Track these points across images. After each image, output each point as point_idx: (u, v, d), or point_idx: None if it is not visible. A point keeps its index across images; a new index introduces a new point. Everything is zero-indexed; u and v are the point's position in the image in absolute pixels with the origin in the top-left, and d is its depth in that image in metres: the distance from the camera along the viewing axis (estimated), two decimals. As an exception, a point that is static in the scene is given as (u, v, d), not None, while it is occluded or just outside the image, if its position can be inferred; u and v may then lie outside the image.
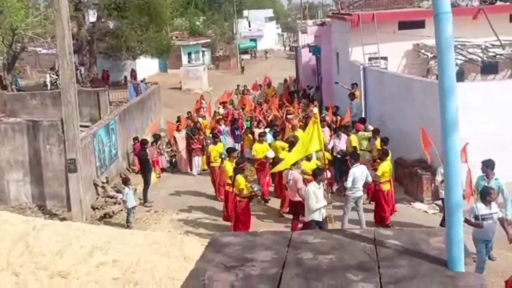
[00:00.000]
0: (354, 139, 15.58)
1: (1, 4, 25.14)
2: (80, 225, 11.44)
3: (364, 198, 13.54)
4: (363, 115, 19.41)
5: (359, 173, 12.46)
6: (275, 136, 16.61)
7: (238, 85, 32.67)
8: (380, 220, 13.09)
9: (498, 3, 23.47)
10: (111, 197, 16.06)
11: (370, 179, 12.91)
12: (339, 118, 19.86)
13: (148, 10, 34.15)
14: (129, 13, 33.72)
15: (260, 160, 15.81)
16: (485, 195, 9.62)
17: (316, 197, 11.01)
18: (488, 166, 10.98)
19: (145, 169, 16.72)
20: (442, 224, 11.71)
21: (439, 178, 11.84)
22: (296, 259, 4.26)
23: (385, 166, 13.03)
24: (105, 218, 15.00)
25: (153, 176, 17.31)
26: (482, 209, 9.52)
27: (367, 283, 3.82)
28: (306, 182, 12.09)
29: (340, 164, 15.47)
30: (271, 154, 15.48)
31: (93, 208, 15.44)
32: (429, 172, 14.82)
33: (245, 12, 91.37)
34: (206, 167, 19.55)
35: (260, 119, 20.64)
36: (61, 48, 14.04)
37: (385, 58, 21.80)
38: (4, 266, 9.05)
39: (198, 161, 19.56)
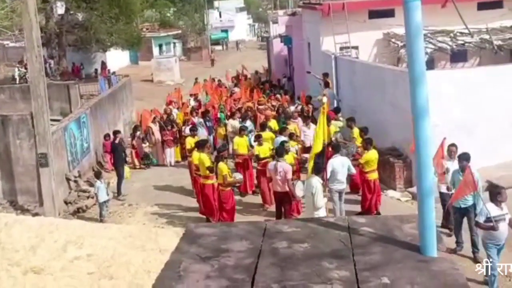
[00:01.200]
0: (333, 129, 15.38)
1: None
2: (53, 220, 11.30)
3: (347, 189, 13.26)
4: (335, 105, 19.51)
5: (338, 165, 12.24)
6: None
7: (211, 78, 32.56)
8: (366, 210, 12.78)
9: (466, -9, 23.72)
10: (84, 191, 15.91)
11: (353, 171, 12.62)
12: (310, 107, 19.96)
13: (118, 2, 33.83)
14: (98, 4, 33.38)
15: (242, 155, 15.22)
16: (496, 195, 8.91)
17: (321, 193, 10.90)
18: (465, 159, 10.48)
19: (117, 162, 16.55)
20: (444, 223, 11.60)
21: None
22: (271, 248, 4.28)
23: (370, 155, 12.76)
24: (79, 213, 14.86)
25: (126, 170, 17.06)
26: (493, 210, 8.74)
27: (342, 271, 3.86)
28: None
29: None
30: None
31: (66, 202, 15.27)
32: (401, 160, 15.00)
33: (216, 3, 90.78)
34: (179, 158, 19.59)
35: (230, 110, 20.66)
36: (29, 41, 13.79)
37: (356, 48, 21.94)
38: (-24, 263, 8.91)
39: (171, 152, 19.54)
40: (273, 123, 17.40)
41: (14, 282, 8.21)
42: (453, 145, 11.28)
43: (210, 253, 4.26)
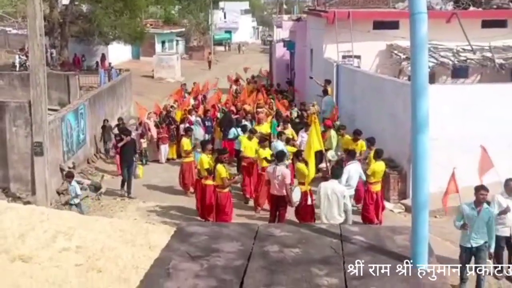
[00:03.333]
0: (348, 139, 15.22)
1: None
2: (44, 210, 11.21)
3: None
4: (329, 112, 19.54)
5: (353, 171, 12.36)
6: (244, 131, 16.35)
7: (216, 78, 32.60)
8: (368, 221, 12.60)
9: (471, 8, 23.81)
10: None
11: (364, 178, 12.66)
12: (308, 113, 19.96)
13: (123, -5, 33.78)
14: (103, -3, 33.30)
15: (249, 158, 14.92)
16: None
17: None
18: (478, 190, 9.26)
19: (126, 161, 15.93)
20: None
21: (495, 209, 9.64)
22: (262, 251, 4.26)
23: (377, 166, 12.59)
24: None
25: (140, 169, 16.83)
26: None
27: (331, 278, 3.85)
28: None
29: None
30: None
31: (58, 193, 15.20)
32: (396, 171, 15.00)
33: (221, 4, 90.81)
34: (174, 156, 19.56)
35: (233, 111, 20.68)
36: (32, 29, 13.76)
37: (358, 57, 21.96)
38: (-36, 248, 8.85)
39: (165, 149, 19.53)
40: (264, 127, 17.35)
41: (1, 269, 8.15)
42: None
43: (200, 252, 4.25)
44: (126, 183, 15.63)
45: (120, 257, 8.92)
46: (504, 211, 9.55)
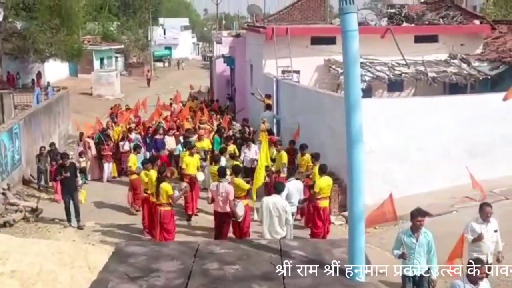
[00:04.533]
0: (284, 155, 15.16)
1: None
2: (-23, 234, 10.82)
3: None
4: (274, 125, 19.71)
5: (293, 188, 12.31)
6: (185, 147, 16.25)
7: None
8: (316, 237, 12.42)
9: (405, 24, 24.60)
10: (12, 204, 15.30)
11: (302, 196, 12.68)
12: (252, 129, 20.07)
13: (60, 12, 33.19)
14: (38, 14, 32.62)
15: (190, 175, 14.70)
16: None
17: None
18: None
19: (68, 188, 14.43)
20: None
21: (469, 236, 8.96)
22: (202, 269, 4.24)
23: (323, 182, 12.53)
24: (5, 227, 14.25)
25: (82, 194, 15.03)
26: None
27: (272, 293, 3.86)
28: None
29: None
30: (201, 177, 14.59)
31: (-7, 215, 14.65)
32: (337, 184, 15.21)
33: (161, 20, 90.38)
34: (116, 174, 19.25)
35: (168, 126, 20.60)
36: (-38, 46, 13.31)
37: (297, 72, 22.25)
38: None
39: (109, 167, 19.17)
40: (206, 142, 17.34)
41: None
42: (488, 204, 9.26)
43: (139, 272, 4.18)
44: (71, 211, 14.35)
45: (57, 280, 8.69)
46: (478, 238, 8.94)
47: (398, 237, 8.62)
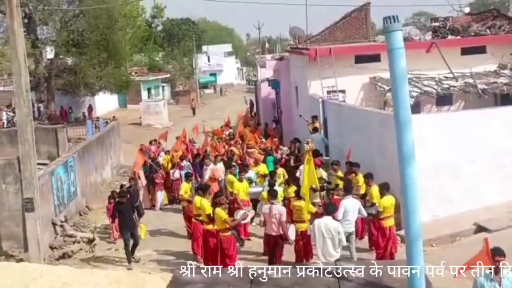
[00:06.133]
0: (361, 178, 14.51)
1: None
2: (37, 266, 11.08)
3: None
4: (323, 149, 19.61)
5: (350, 206, 12.12)
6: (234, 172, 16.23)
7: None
8: (380, 258, 12.06)
9: (450, 37, 24.24)
10: (70, 236, 15.68)
11: (364, 213, 12.46)
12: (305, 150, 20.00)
13: (107, 46, 34.16)
14: (87, 49, 33.67)
15: (242, 200, 14.80)
16: None
17: None
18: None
19: (126, 226, 13.83)
20: None
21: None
22: (259, 295, 4.23)
23: (386, 201, 12.28)
24: (64, 258, 14.59)
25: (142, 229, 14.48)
26: None
27: (331, 317, 3.81)
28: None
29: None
30: (251, 214, 13.65)
31: (52, 248, 15.03)
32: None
33: (204, 48, 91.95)
34: (167, 202, 19.50)
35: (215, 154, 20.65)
36: (18, 85, 13.81)
37: (343, 91, 22.16)
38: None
39: (161, 196, 19.44)
40: (262, 168, 17.41)
41: (-3, 331, 8.00)
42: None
43: (197, 300, 4.20)
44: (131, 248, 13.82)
45: (117, 310, 8.79)
46: None
47: (476, 283, 7.21)
